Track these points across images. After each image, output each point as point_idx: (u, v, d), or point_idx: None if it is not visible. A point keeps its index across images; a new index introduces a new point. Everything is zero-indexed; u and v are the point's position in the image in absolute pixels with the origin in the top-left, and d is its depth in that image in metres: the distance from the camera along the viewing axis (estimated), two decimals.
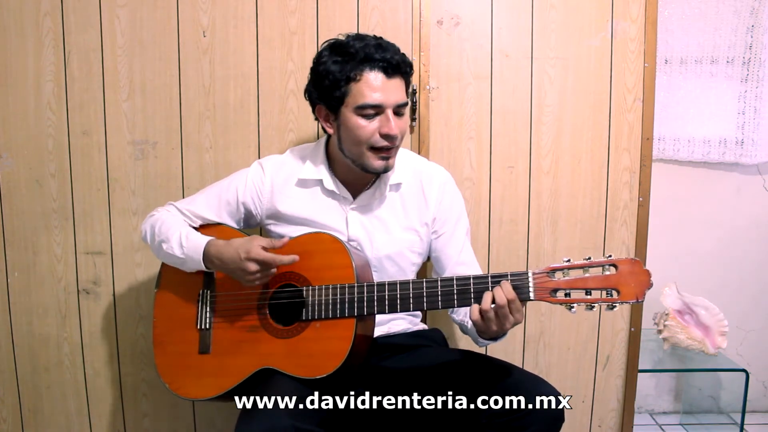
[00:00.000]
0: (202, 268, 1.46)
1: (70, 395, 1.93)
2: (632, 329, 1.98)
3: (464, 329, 1.53)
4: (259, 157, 1.82)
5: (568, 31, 1.86)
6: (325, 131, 1.51)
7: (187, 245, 1.46)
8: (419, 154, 1.84)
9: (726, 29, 2.27)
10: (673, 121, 2.34)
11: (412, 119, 1.84)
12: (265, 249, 1.38)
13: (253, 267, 1.37)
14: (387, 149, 1.42)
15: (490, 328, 1.28)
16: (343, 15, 1.81)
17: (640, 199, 1.93)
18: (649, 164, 1.92)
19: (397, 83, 1.42)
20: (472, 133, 1.88)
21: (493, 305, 1.25)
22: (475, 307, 1.28)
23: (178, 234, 1.48)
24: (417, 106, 1.83)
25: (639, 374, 2.00)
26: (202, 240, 1.46)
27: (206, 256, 1.44)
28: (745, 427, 2.24)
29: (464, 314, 1.51)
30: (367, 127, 1.40)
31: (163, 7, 1.79)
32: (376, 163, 1.43)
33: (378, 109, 1.40)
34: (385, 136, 1.41)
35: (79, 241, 1.87)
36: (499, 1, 1.84)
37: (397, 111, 1.42)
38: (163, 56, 1.81)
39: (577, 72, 1.88)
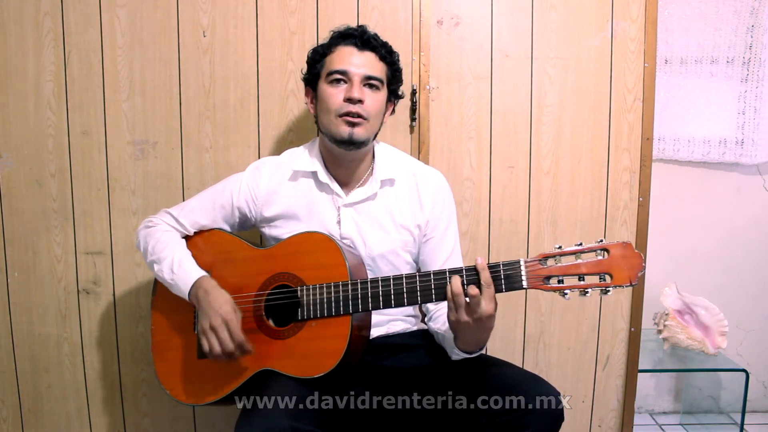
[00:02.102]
0: (187, 299, 1.46)
1: (70, 395, 1.93)
2: (632, 329, 1.98)
3: (439, 339, 1.51)
4: (259, 157, 1.83)
5: (568, 31, 1.86)
6: (315, 121, 1.54)
7: (177, 273, 1.46)
8: (419, 154, 1.85)
9: (726, 29, 2.27)
10: (673, 121, 2.34)
11: (412, 119, 1.84)
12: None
13: (219, 326, 1.37)
14: (353, 115, 1.44)
15: (461, 317, 1.26)
16: (343, 15, 1.81)
17: (640, 199, 1.93)
18: (649, 164, 1.92)
19: (369, 57, 1.48)
20: (472, 133, 1.88)
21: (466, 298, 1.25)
22: (448, 287, 1.27)
23: (171, 258, 1.47)
24: (417, 106, 1.83)
25: (639, 374, 2.00)
26: (193, 274, 1.45)
27: (194, 291, 1.43)
28: (745, 427, 2.24)
29: (442, 323, 1.48)
30: (335, 94, 1.46)
31: (163, 7, 1.80)
32: (342, 128, 1.45)
33: (345, 76, 1.46)
34: (348, 99, 1.44)
35: (79, 241, 1.87)
36: (499, 1, 1.84)
37: (368, 84, 1.47)
38: (163, 56, 1.81)
39: (577, 72, 1.88)
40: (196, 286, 1.44)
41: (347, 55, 1.47)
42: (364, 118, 1.46)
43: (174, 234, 1.55)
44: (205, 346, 1.39)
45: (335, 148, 1.49)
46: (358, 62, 1.47)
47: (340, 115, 1.45)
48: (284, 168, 1.56)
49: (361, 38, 1.48)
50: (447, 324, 1.39)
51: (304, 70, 1.56)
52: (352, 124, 1.45)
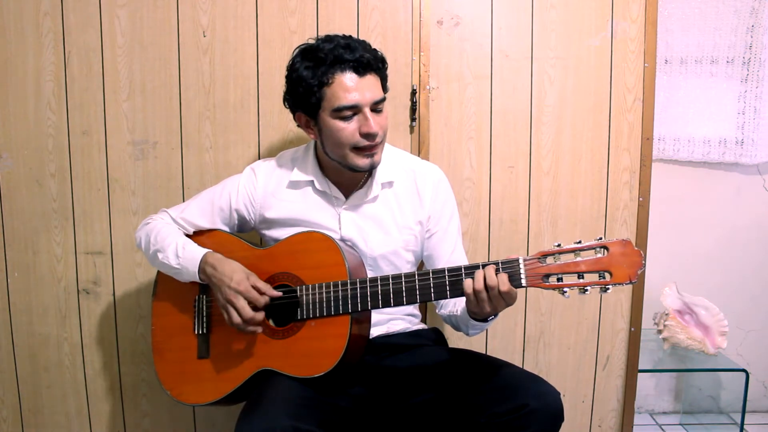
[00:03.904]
0: (196, 279, 1.47)
1: (70, 395, 1.93)
2: (632, 329, 1.98)
3: (454, 322, 1.52)
4: (259, 157, 1.83)
5: (568, 31, 1.86)
6: (316, 144, 1.52)
7: (183, 255, 1.46)
8: (419, 154, 1.85)
9: (726, 29, 2.27)
10: (673, 121, 2.34)
11: (412, 119, 1.84)
12: (255, 288, 1.39)
13: (231, 295, 1.39)
14: (370, 147, 1.42)
15: (484, 309, 1.28)
16: (343, 15, 1.81)
17: (640, 199, 1.93)
18: (649, 164, 1.92)
19: (371, 80, 1.41)
20: (472, 133, 1.88)
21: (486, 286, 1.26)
22: (468, 281, 1.27)
23: (175, 244, 1.48)
24: (417, 106, 1.83)
25: (639, 374, 2.00)
26: (199, 251, 1.46)
27: (202, 266, 1.45)
28: (745, 427, 2.24)
29: (453, 305, 1.51)
30: (347, 129, 1.40)
31: (163, 7, 1.79)
32: (361, 161, 1.43)
33: (355, 109, 1.39)
34: (366, 135, 1.40)
35: (79, 241, 1.87)
36: (499, 1, 1.84)
37: (375, 108, 1.41)
38: (163, 56, 1.81)
39: (577, 72, 1.88)
40: (203, 262, 1.44)
41: (351, 85, 1.38)
42: (380, 143, 1.45)
43: (174, 226, 1.55)
44: (227, 319, 1.40)
45: (345, 170, 1.47)
46: (364, 90, 1.39)
47: (357, 149, 1.42)
48: (280, 172, 1.56)
49: (359, 62, 1.38)
50: (459, 306, 1.45)
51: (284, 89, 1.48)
52: (371, 155, 1.43)
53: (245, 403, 1.34)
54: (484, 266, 1.27)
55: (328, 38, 1.42)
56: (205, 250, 1.47)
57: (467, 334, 1.48)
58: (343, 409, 1.40)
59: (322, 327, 1.38)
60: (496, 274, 1.26)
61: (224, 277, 1.40)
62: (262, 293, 1.39)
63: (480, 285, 1.26)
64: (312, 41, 1.45)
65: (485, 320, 1.38)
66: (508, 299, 1.27)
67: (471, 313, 1.35)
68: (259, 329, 1.40)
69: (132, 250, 1.87)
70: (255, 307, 1.39)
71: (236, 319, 1.38)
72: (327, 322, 1.38)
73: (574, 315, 1.97)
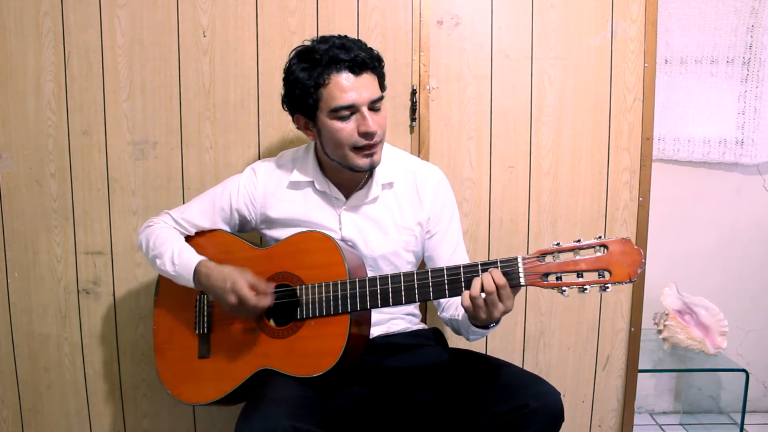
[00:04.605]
0: (192, 286, 1.47)
1: (70, 395, 1.93)
2: (632, 329, 1.98)
3: (455, 326, 1.52)
4: (259, 157, 1.83)
5: (568, 31, 1.86)
6: (317, 146, 1.52)
7: (178, 263, 1.47)
8: (419, 153, 1.85)
9: (726, 29, 2.27)
10: (673, 121, 2.34)
11: (412, 119, 1.84)
12: (251, 285, 1.39)
13: (233, 299, 1.39)
14: (369, 146, 1.42)
15: (479, 316, 1.27)
16: (343, 15, 1.81)
17: (640, 199, 1.93)
18: (649, 164, 1.92)
19: (368, 79, 1.41)
20: (472, 133, 1.88)
21: (482, 293, 1.25)
22: (466, 293, 1.27)
23: (171, 251, 1.48)
24: (417, 106, 1.83)
25: (639, 374, 2.00)
26: (193, 259, 1.46)
27: (196, 275, 1.45)
28: (745, 427, 2.24)
29: (455, 309, 1.51)
30: (345, 129, 1.40)
31: (163, 7, 1.79)
32: (361, 161, 1.43)
33: (352, 109, 1.39)
34: (364, 134, 1.40)
35: (79, 241, 1.87)
36: (499, 1, 1.84)
37: (373, 107, 1.41)
38: (163, 56, 1.81)
39: (577, 72, 1.88)
40: (197, 272, 1.45)
41: (347, 85, 1.38)
42: (380, 142, 1.44)
43: (174, 231, 1.55)
44: (238, 313, 1.42)
45: (345, 171, 1.47)
46: (361, 89, 1.38)
47: (357, 148, 1.41)
48: (280, 172, 1.56)
49: (355, 62, 1.38)
50: (460, 310, 1.44)
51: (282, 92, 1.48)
52: (371, 154, 1.43)
53: (245, 403, 1.34)
54: (482, 265, 1.27)
55: (324, 39, 1.42)
56: (199, 258, 1.46)
57: (468, 339, 1.48)
58: (343, 409, 1.40)
59: (321, 326, 1.38)
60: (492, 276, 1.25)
61: (218, 282, 1.41)
62: (259, 291, 1.40)
63: (476, 291, 1.25)
64: (308, 42, 1.45)
65: (486, 327, 1.37)
66: (506, 300, 1.26)
67: (471, 319, 1.35)
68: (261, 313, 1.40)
69: (132, 250, 1.87)
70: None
71: (243, 313, 1.40)
72: (326, 322, 1.38)
73: (574, 315, 1.97)
